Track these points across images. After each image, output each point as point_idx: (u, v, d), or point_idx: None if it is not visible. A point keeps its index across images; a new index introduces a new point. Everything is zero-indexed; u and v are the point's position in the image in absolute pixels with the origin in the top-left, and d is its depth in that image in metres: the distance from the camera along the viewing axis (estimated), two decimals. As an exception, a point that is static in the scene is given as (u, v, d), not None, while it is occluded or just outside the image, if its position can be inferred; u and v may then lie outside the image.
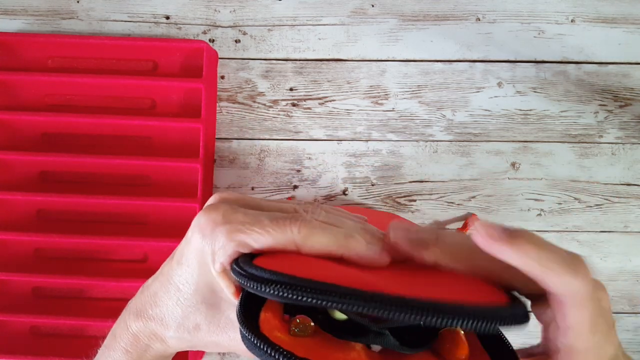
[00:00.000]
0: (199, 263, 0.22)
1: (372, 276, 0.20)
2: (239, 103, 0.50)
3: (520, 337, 0.21)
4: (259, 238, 0.20)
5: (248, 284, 0.19)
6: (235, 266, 0.20)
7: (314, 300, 0.17)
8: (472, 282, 0.20)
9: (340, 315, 0.21)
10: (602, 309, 0.19)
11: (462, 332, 0.20)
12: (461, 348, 0.20)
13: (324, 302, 0.17)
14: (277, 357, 0.17)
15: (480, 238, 0.19)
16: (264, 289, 0.18)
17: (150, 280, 0.25)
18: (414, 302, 0.17)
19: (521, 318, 0.18)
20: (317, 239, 0.20)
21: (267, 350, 0.18)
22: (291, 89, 0.50)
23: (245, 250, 0.20)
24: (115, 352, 0.25)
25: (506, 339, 0.20)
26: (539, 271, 0.18)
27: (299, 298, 0.18)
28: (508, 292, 0.20)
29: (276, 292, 0.18)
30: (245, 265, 0.20)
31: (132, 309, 0.25)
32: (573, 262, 0.18)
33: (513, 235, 0.18)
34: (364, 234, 0.21)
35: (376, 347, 0.21)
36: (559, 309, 0.19)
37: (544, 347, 0.20)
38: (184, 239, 0.23)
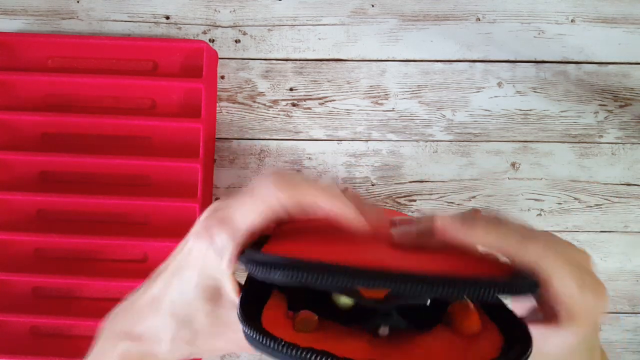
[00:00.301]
0: (198, 270, 0.22)
1: (379, 255, 0.20)
2: (239, 103, 0.50)
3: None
4: (247, 213, 0.21)
5: (256, 270, 0.19)
6: (242, 257, 0.20)
7: (324, 280, 0.18)
8: (480, 258, 0.21)
9: (345, 301, 0.21)
10: (583, 268, 0.20)
11: (472, 304, 0.21)
12: (473, 319, 0.20)
13: (334, 281, 0.18)
14: (279, 349, 0.18)
15: (440, 232, 0.20)
16: (272, 273, 0.18)
17: (133, 297, 0.24)
18: (421, 277, 0.18)
19: (531, 286, 0.19)
20: (303, 191, 0.21)
21: (269, 344, 0.18)
22: (291, 89, 0.50)
23: (245, 235, 0.21)
24: None
25: (513, 311, 0.20)
26: (503, 248, 0.20)
27: (308, 279, 0.18)
28: (513, 266, 0.21)
29: (284, 275, 0.18)
30: (252, 253, 0.20)
31: (118, 329, 0.24)
32: (528, 234, 0.20)
33: (469, 224, 0.20)
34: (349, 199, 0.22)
35: (384, 332, 0.21)
36: (541, 278, 0.20)
37: (543, 313, 0.21)
38: (178, 252, 0.23)
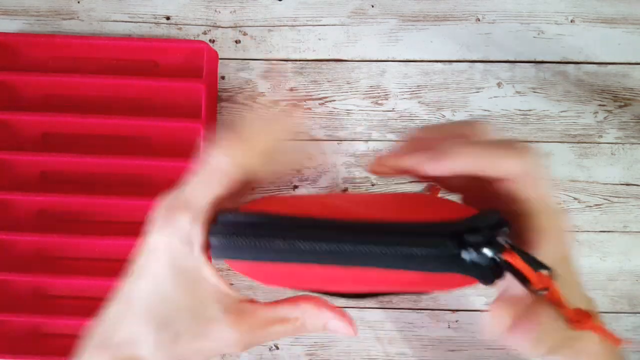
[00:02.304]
0: (167, 265, 0.21)
1: (346, 205, 0.21)
2: (240, 103, 0.50)
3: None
4: (205, 188, 0.21)
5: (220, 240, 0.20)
6: (215, 227, 0.21)
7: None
8: (440, 202, 0.22)
9: None
10: (548, 184, 0.20)
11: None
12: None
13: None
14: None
15: (411, 168, 0.20)
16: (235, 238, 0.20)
17: (108, 308, 0.23)
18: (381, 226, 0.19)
19: (496, 219, 0.19)
20: (253, 148, 0.21)
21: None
22: (291, 90, 0.50)
23: (208, 211, 0.21)
24: None
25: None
26: (482, 167, 0.19)
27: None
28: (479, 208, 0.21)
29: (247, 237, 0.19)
30: (225, 216, 0.21)
31: (95, 343, 0.22)
32: (512, 146, 0.19)
33: (442, 152, 0.19)
34: None
35: None
36: (515, 193, 0.19)
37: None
38: (141, 252, 0.22)
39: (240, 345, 0.21)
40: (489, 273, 0.18)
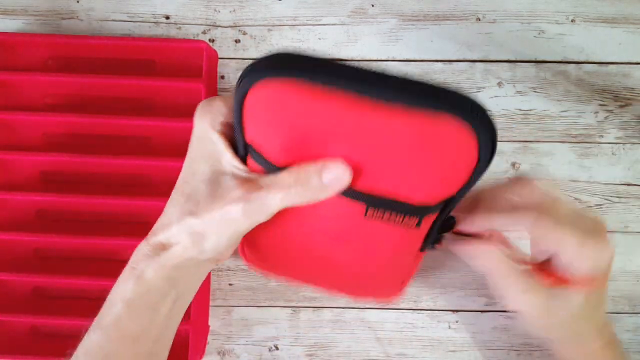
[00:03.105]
0: (198, 141, 0.25)
1: None
2: (239, 103, 0.50)
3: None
4: None
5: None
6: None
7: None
8: None
9: None
10: (585, 232, 0.27)
11: None
12: None
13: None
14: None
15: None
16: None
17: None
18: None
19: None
20: None
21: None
22: (291, 89, 0.50)
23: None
24: (125, 272, 0.29)
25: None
26: (548, 244, 0.27)
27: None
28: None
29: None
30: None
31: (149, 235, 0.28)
32: (590, 235, 0.25)
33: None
34: None
35: None
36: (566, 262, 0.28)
37: (554, 278, 0.29)
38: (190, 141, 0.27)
39: (245, 209, 0.24)
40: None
